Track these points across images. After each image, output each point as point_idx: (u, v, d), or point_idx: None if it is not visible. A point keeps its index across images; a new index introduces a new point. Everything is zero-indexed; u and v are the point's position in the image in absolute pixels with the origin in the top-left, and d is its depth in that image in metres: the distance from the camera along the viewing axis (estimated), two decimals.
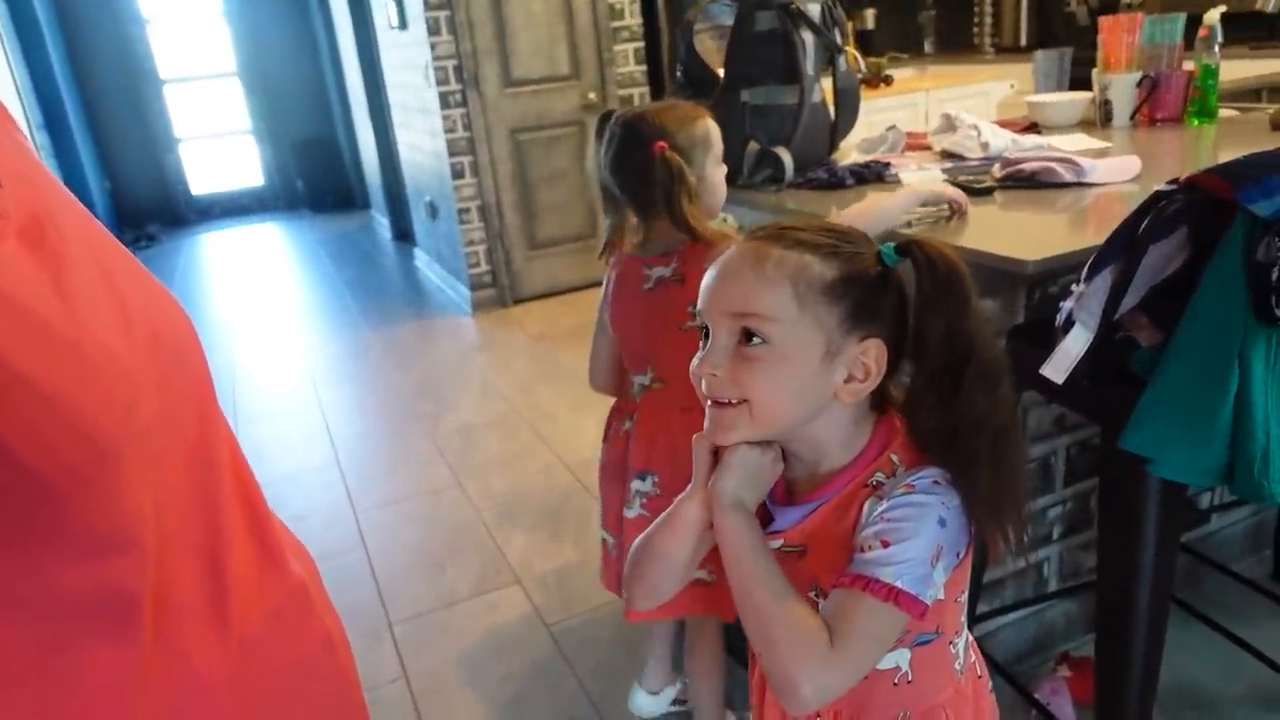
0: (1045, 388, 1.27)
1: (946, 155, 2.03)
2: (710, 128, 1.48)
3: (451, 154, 4.55)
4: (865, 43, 5.45)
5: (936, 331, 0.77)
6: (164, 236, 8.14)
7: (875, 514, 0.78)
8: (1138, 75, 2.17)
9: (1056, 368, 1.17)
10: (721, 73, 1.99)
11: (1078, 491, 1.81)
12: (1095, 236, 1.20)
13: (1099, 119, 2.23)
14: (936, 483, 0.78)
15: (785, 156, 1.88)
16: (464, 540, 2.64)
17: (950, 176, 1.77)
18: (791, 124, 1.91)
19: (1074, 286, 1.17)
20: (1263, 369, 1.03)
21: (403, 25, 4.72)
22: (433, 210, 5.25)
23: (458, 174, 4.60)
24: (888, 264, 0.80)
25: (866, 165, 1.91)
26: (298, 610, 0.68)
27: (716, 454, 0.83)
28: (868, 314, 0.79)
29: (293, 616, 0.67)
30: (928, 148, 2.15)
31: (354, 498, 2.99)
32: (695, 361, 0.81)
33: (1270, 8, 3.29)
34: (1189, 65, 2.15)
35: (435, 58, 4.36)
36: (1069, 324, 1.17)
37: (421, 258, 5.96)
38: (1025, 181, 1.68)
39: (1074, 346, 1.16)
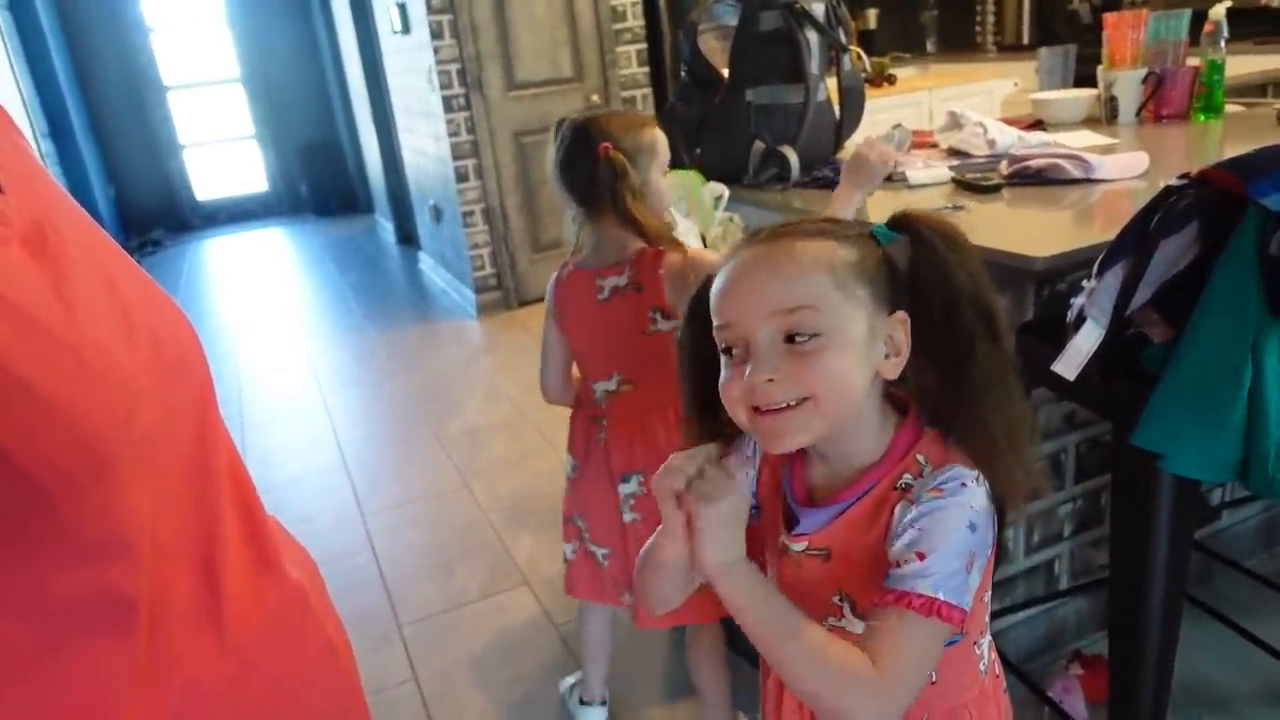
0: (1056, 384, 1.27)
1: (953, 153, 2.02)
2: (657, 136, 1.52)
3: (455, 157, 4.56)
4: (867, 42, 5.44)
5: (957, 289, 0.78)
6: (169, 242, 8.17)
7: (905, 521, 0.77)
8: (1143, 71, 2.16)
9: (1068, 364, 1.17)
10: (726, 72, 1.99)
11: (1088, 489, 1.80)
12: (1104, 233, 1.19)
13: (1104, 115, 2.22)
14: (964, 484, 0.77)
15: (791, 155, 1.88)
16: (472, 542, 2.64)
17: (958, 174, 1.77)
18: (797, 123, 1.91)
19: (1085, 283, 1.17)
20: (1276, 363, 1.03)
21: (405, 30, 4.73)
22: (437, 214, 5.26)
23: (462, 177, 4.61)
24: (882, 242, 0.80)
25: None
26: (296, 617, 0.67)
27: (680, 499, 0.76)
28: (889, 289, 0.80)
29: (291, 623, 0.66)
30: (934, 145, 2.15)
31: (361, 501, 2.99)
32: (732, 381, 0.77)
33: (1276, 1, 3.28)
34: (1194, 61, 2.14)
35: (438, 61, 4.37)
36: (1080, 320, 1.17)
37: (426, 261, 5.96)
38: (1032, 178, 1.68)
39: (1085, 343, 1.16)
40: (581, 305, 1.54)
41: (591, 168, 1.46)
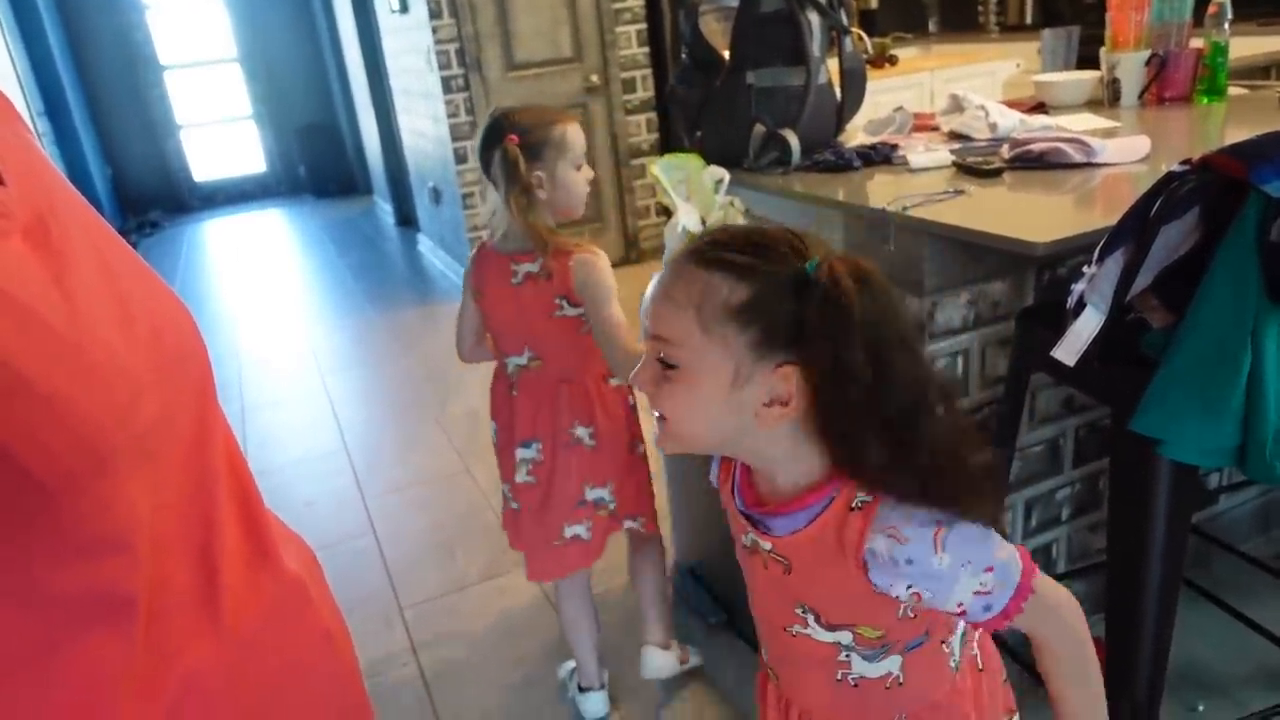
0: (1055, 370, 1.27)
1: (954, 136, 2.01)
2: (569, 132, 1.59)
3: (454, 139, 4.54)
4: (869, 23, 5.39)
5: (856, 354, 0.71)
6: (167, 223, 8.15)
7: (900, 569, 0.76)
8: (1146, 53, 2.15)
9: (1068, 350, 1.17)
10: (727, 55, 1.97)
11: (1086, 473, 1.81)
12: (1105, 218, 1.19)
13: (1107, 98, 2.21)
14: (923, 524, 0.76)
15: (792, 139, 1.87)
16: (473, 525, 2.65)
17: (959, 158, 1.76)
18: (798, 106, 1.89)
19: (1085, 268, 1.17)
20: (1275, 350, 1.03)
21: (404, 9, 4.69)
22: (436, 195, 5.24)
23: (461, 159, 4.59)
24: (814, 281, 0.72)
25: (874, 147, 1.89)
26: (294, 608, 0.68)
27: None
28: (782, 337, 0.73)
29: (289, 615, 0.67)
30: (935, 128, 2.13)
31: (362, 484, 3.00)
32: (638, 371, 0.82)
33: None
34: (1198, 43, 2.13)
35: (437, 41, 4.34)
36: (1080, 306, 1.17)
37: (425, 243, 5.95)
38: (1034, 162, 1.67)
39: (1085, 328, 1.16)
40: (497, 286, 1.67)
41: (503, 156, 1.56)
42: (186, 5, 8.30)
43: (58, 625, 0.49)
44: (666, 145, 4.80)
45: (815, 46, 1.88)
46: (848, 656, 0.86)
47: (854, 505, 0.78)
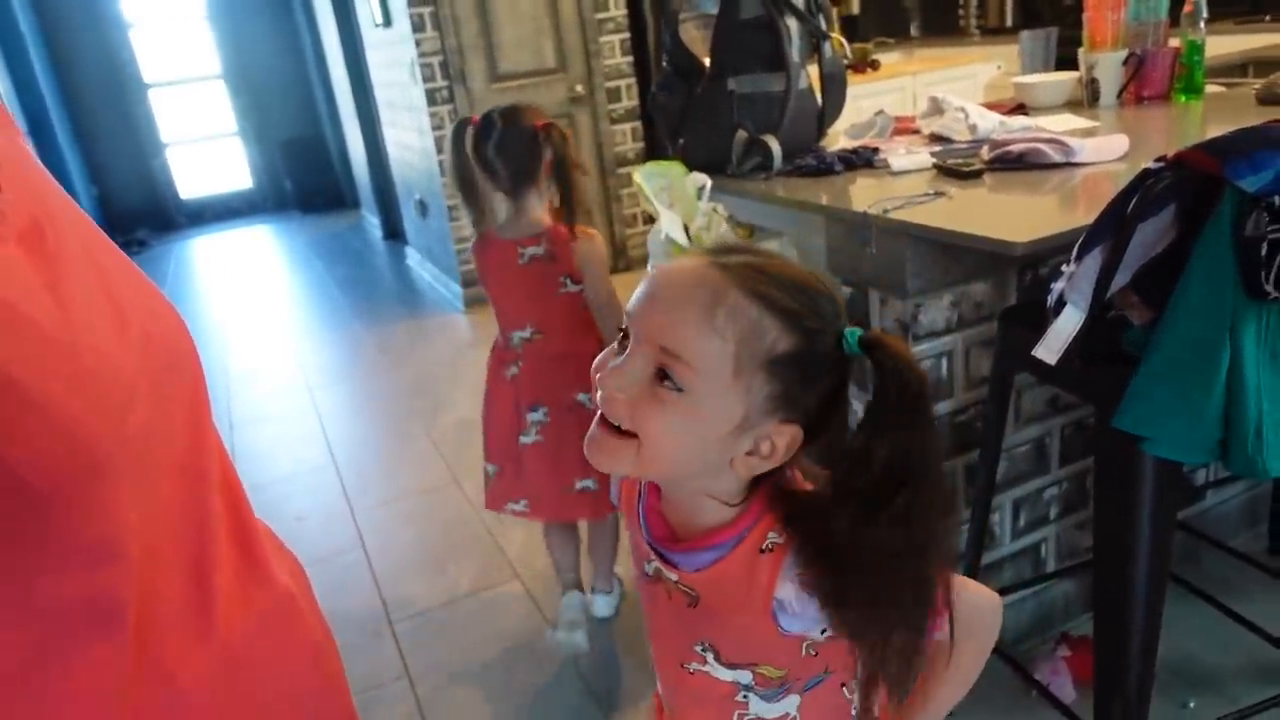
0: (1038, 369, 1.27)
1: (935, 139, 2.02)
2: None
3: (440, 151, 4.53)
4: (851, 28, 5.43)
5: (884, 449, 0.66)
6: (154, 241, 8.12)
7: (810, 615, 0.73)
8: (1124, 53, 2.16)
9: (1049, 349, 1.17)
10: (707, 61, 1.98)
11: (1073, 471, 1.81)
12: (1084, 216, 1.20)
13: (1086, 98, 2.23)
14: None
15: (773, 144, 1.88)
16: (463, 537, 2.64)
17: (939, 160, 1.77)
18: (779, 111, 1.90)
19: (1064, 267, 1.17)
20: (1254, 344, 1.03)
21: (387, 22, 4.70)
22: (423, 208, 5.23)
23: (447, 171, 4.58)
24: (846, 351, 0.69)
25: (855, 151, 1.90)
26: (284, 621, 0.67)
27: None
28: (800, 398, 0.69)
29: (279, 628, 0.66)
30: (916, 132, 2.15)
31: (351, 498, 2.98)
32: (604, 367, 0.72)
33: None
34: (1174, 42, 2.15)
35: (420, 54, 4.34)
36: (1060, 305, 1.17)
37: (413, 256, 5.94)
38: (1014, 163, 1.68)
39: (1066, 327, 1.16)
40: (504, 269, 1.86)
41: (527, 145, 1.76)
42: (170, 23, 8.29)
43: (49, 634, 0.49)
44: (652, 153, 4.81)
45: (795, 52, 1.89)
46: (746, 697, 0.82)
47: (764, 548, 0.74)
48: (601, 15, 4.64)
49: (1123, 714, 1.30)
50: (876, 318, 1.61)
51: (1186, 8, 2.08)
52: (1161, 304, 1.09)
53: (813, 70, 2.01)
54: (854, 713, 0.86)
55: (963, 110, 1.98)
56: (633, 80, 4.82)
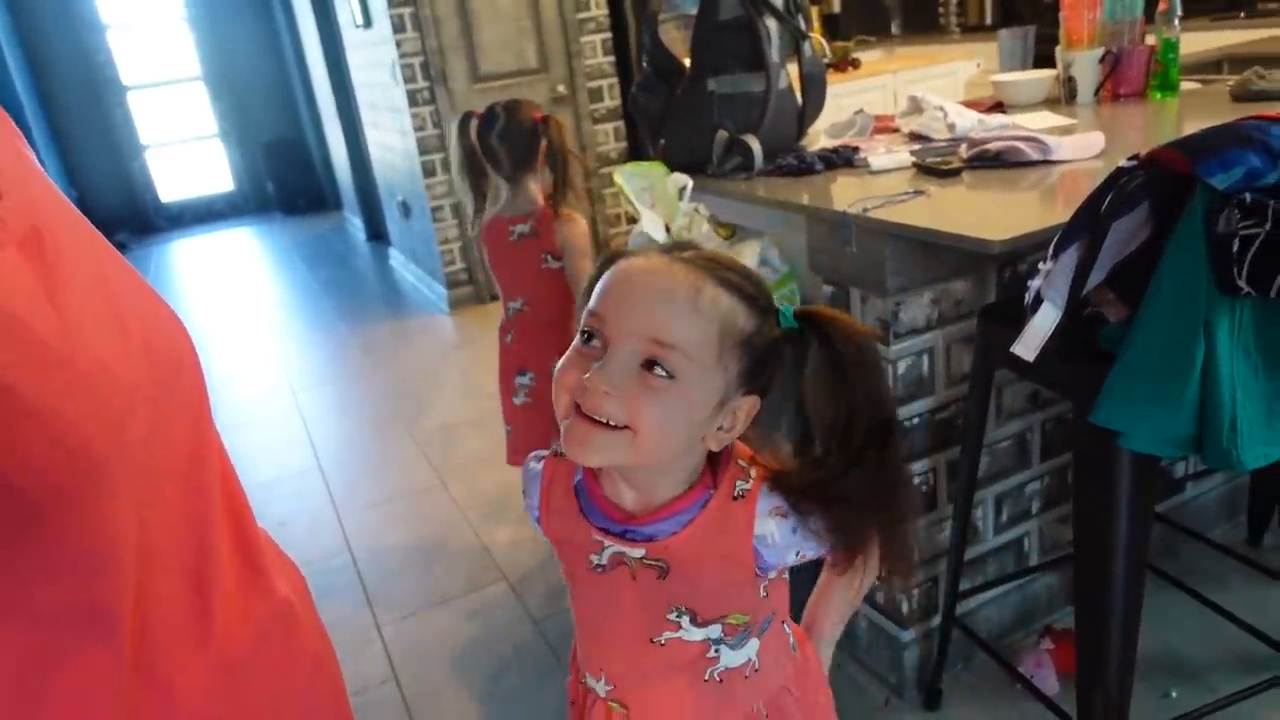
0: (1017, 365, 1.28)
1: (914, 137, 2.03)
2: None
3: (422, 152, 4.53)
4: (832, 26, 5.45)
5: (852, 407, 0.75)
6: (134, 245, 8.05)
7: (787, 541, 0.82)
8: (1100, 51, 2.18)
9: (1027, 345, 1.19)
10: (687, 62, 1.99)
11: (1054, 466, 1.83)
12: (1062, 214, 1.21)
13: (1063, 96, 2.25)
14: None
15: (754, 144, 1.89)
16: (449, 540, 2.64)
17: (919, 159, 1.78)
18: (759, 111, 1.91)
19: (1041, 265, 1.18)
20: (1227, 339, 1.05)
21: (367, 23, 4.68)
22: (405, 209, 5.22)
23: (429, 172, 4.58)
24: (784, 326, 0.78)
25: (835, 150, 1.91)
26: (284, 631, 0.67)
27: None
28: (761, 372, 0.78)
29: (278, 638, 0.66)
30: (896, 130, 2.16)
31: (337, 502, 2.98)
32: (571, 368, 0.75)
33: None
34: (1150, 39, 2.17)
35: (401, 55, 4.33)
36: (1038, 302, 1.18)
37: (396, 257, 5.92)
38: (992, 161, 1.70)
39: (1043, 324, 1.17)
40: (499, 245, 2.08)
41: (526, 134, 2.01)
42: (148, 25, 8.23)
43: (45, 640, 0.49)
44: (634, 153, 4.82)
45: (774, 52, 1.89)
46: (716, 651, 0.87)
47: (736, 495, 0.82)
48: (582, 15, 4.64)
49: (1105, 705, 1.32)
50: (858, 316, 1.62)
51: (1161, 5, 2.10)
52: (1136, 301, 1.10)
53: (792, 70, 2.02)
54: (791, 644, 0.95)
55: (941, 109, 1.99)
56: (614, 80, 4.82)
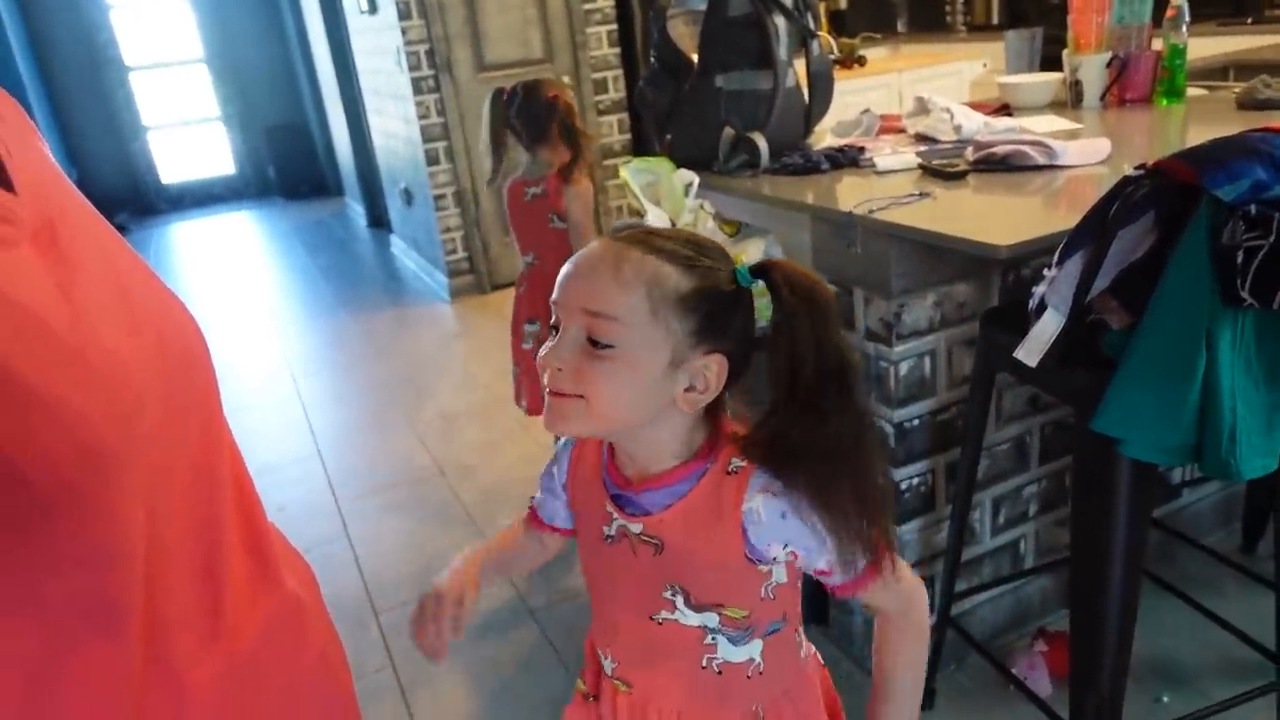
0: (1019, 370, 1.29)
1: (920, 138, 2.04)
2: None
3: (425, 140, 4.52)
4: (838, 23, 5.44)
5: (809, 350, 0.77)
6: (134, 226, 8.03)
7: (778, 531, 0.82)
8: (1107, 56, 2.18)
9: (1029, 351, 1.19)
10: (695, 58, 1.99)
11: (1052, 470, 1.84)
12: (1066, 219, 1.21)
13: (1070, 100, 2.25)
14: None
15: (760, 142, 1.89)
16: (447, 528, 2.65)
17: (924, 160, 1.78)
18: (766, 109, 1.91)
19: (1046, 271, 1.19)
20: (1229, 350, 1.05)
21: (373, 10, 4.66)
22: (408, 197, 5.21)
23: (432, 160, 4.57)
24: (742, 284, 0.80)
25: (842, 149, 1.91)
26: (292, 626, 0.67)
27: None
28: (716, 329, 0.79)
29: (287, 633, 0.66)
30: (902, 131, 2.16)
31: (336, 488, 2.98)
32: (542, 351, 0.81)
33: None
34: (1157, 45, 2.17)
35: (406, 42, 4.32)
36: (1041, 308, 1.19)
37: (398, 245, 5.92)
38: (998, 165, 1.70)
39: (1046, 330, 1.18)
40: (517, 204, 2.38)
41: (541, 110, 2.28)
42: (151, 5, 8.19)
43: (56, 633, 0.49)
44: (638, 145, 4.81)
45: (782, 50, 1.89)
46: (714, 639, 0.88)
47: (730, 469, 0.83)
48: (589, 6, 4.63)
49: (1097, 708, 1.33)
50: (861, 317, 1.62)
51: (1169, 11, 2.10)
52: (1140, 309, 1.11)
53: (800, 68, 2.02)
54: (802, 654, 0.96)
55: (948, 111, 1.99)
56: (620, 72, 4.81)
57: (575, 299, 0.79)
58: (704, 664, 0.89)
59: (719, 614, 0.87)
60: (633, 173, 1.84)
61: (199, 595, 0.58)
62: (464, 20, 4.38)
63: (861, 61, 4.35)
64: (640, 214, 1.79)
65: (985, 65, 4.26)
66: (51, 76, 7.81)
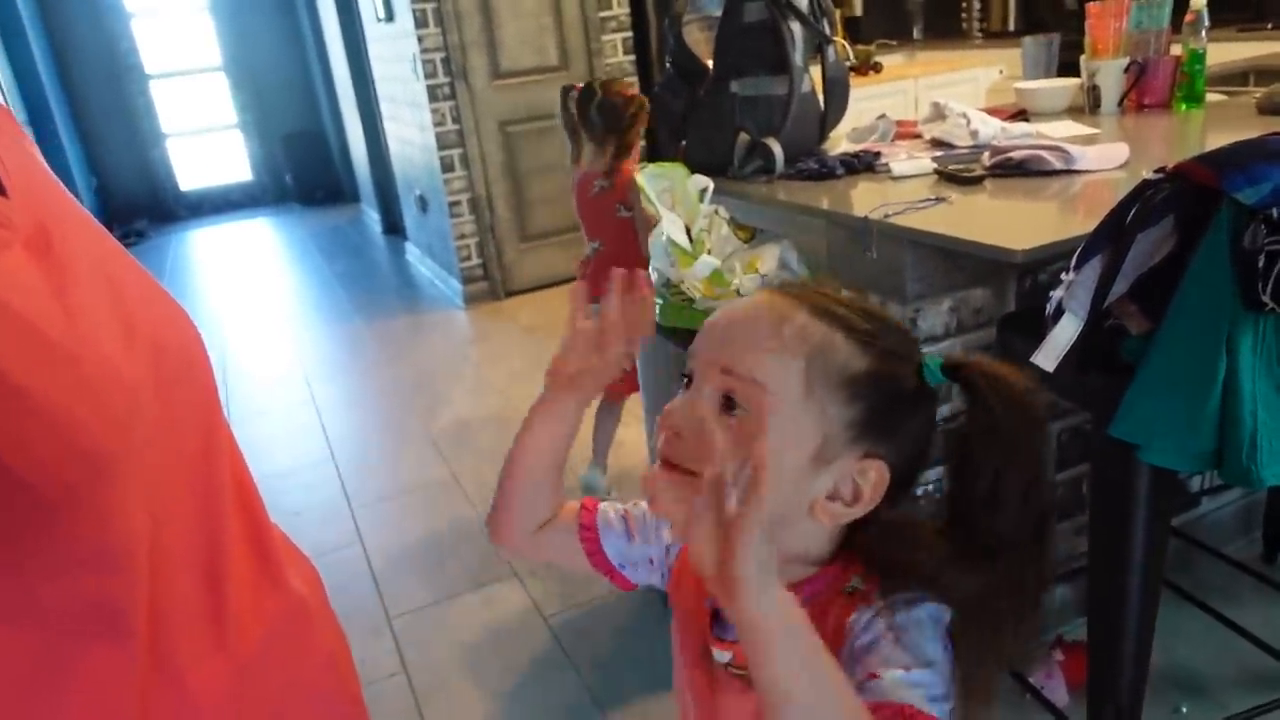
0: (1036, 375, 1.28)
1: (936, 144, 2.03)
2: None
3: (441, 147, 4.54)
4: (854, 30, 5.43)
5: (1011, 483, 0.62)
6: (153, 233, 8.10)
7: (875, 631, 0.63)
8: (1125, 61, 2.17)
9: (1047, 356, 1.18)
10: (710, 64, 1.99)
11: (1070, 477, 1.82)
12: (1084, 224, 1.21)
13: (1087, 105, 2.23)
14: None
15: (775, 147, 1.89)
16: (461, 534, 2.65)
17: (940, 165, 1.77)
18: (781, 114, 1.91)
19: (1063, 275, 1.18)
20: (1250, 355, 1.04)
21: (389, 18, 4.70)
22: (423, 204, 5.24)
23: (447, 167, 4.59)
24: (928, 381, 0.66)
25: (857, 155, 1.91)
26: (298, 629, 0.67)
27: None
28: (883, 428, 0.65)
29: (292, 635, 0.66)
30: (918, 136, 2.15)
31: (350, 493, 2.99)
32: (667, 408, 0.67)
33: None
34: (1176, 50, 2.15)
35: (423, 50, 4.34)
36: (1059, 312, 1.18)
37: (413, 251, 5.94)
38: (1014, 169, 1.69)
39: (1064, 335, 1.17)
40: (585, 195, 2.54)
41: (616, 108, 2.44)
42: (171, 14, 8.28)
43: (57, 638, 0.49)
44: (652, 152, 4.81)
45: (798, 56, 1.89)
46: None
47: (848, 589, 0.67)
48: (604, 14, 4.65)
49: (1115, 718, 1.31)
50: None
51: (1188, 17, 2.08)
52: (1159, 314, 1.10)
53: (815, 73, 2.02)
54: None
55: (964, 116, 1.99)
56: (634, 79, 4.82)
57: (716, 353, 0.65)
58: None
59: None
60: (648, 178, 1.84)
61: (203, 598, 0.58)
62: (480, 28, 4.40)
63: (877, 68, 4.34)
64: (654, 219, 1.79)
65: (1001, 72, 4.24)
66: (73, 85, 7.90)
